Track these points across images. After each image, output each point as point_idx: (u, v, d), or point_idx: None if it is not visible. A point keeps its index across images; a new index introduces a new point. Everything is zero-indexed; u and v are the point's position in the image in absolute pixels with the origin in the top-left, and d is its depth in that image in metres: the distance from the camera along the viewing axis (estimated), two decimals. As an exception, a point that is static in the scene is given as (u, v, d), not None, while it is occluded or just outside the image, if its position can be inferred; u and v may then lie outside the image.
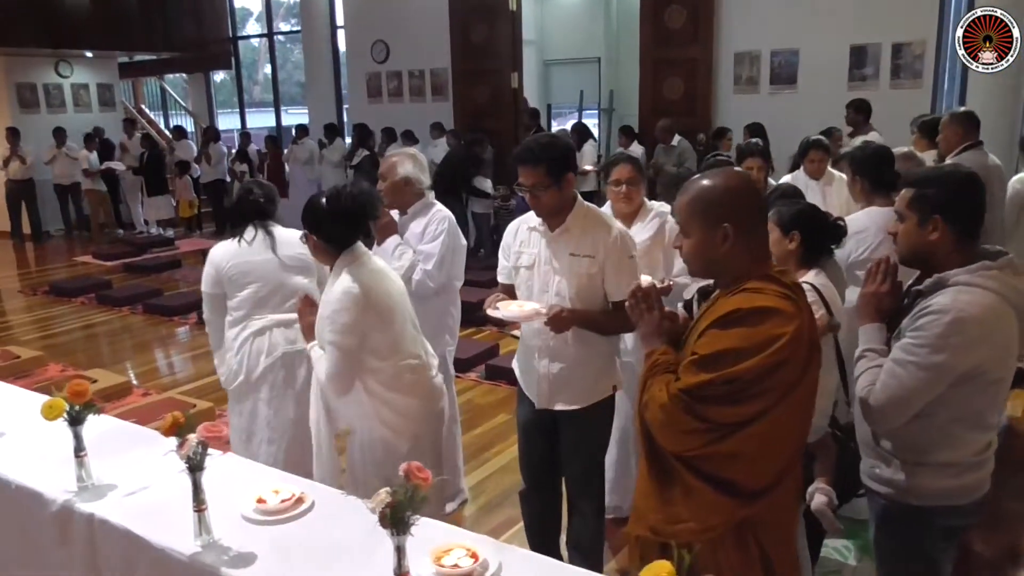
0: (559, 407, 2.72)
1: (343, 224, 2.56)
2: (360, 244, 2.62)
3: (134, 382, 5.62)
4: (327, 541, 2.06)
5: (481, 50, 10.61)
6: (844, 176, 4.23)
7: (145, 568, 2.11)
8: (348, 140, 11.22)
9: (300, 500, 2.21)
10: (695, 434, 1.72)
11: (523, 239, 2.78)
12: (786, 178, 4.58)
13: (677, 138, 8.44)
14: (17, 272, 10.19)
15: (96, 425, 2.37)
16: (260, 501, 2.19)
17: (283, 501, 2.19)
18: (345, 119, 12.77)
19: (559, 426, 2.76)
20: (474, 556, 1.90)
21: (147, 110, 15.31)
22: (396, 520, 1.66)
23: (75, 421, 2.29)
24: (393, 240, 3.31)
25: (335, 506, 2.22)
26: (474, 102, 10.76)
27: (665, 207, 3.29)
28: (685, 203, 1.83)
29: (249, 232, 3.20)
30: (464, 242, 3.49)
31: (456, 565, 1.87)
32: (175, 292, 8.36)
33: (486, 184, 9.16)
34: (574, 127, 9.52)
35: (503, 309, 2.62)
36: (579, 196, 2.70)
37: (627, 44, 11.63)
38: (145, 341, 6.88)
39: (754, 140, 5.00)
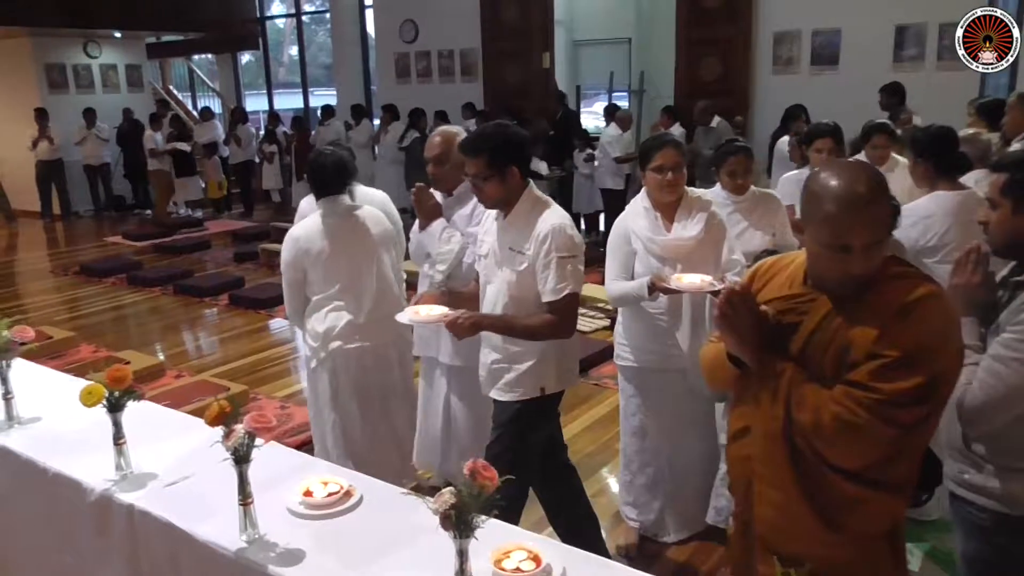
0: (492, 395, 2.75)
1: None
2: (339, 198, 3.12)
3: (168, 364, 5.57)
4: (377, 538, 1.95)
5: (511, 29, 10.43)
6: (906, 161, 4.03)
7: (188, 562, 2.02)
8: (376, 121, 11.11)
9: (348, 494, 2.11)
10: (887, 443, 1.56)
11: (488, 227, 2.77)
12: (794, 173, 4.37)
13: (716, 119, 8.24)
14: (47, 252, 10.22)
15: (134, 410, 2.28)
16: (307, 494, 2.09)
17: (330, 495, 2.09)
18: (373, 100, 12.64)
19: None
20: (536, 560, 1.78)
21: (175, 91, 15.28)
22: (460, 522, 1.55)
23: (114, 408, 2.21)
24: (439, 223, 3.18)
25: (384, 500, 2.12)
26: (504, 83, 10.60)
27: (708, 196, 3.07)
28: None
29: None
30: None
31: (518, 569, 1.75)
32: (205, 273, 8.32)
33: (541, 166, 8.79)
34: (606, 109, 9.33)
35: (407, 315, 2.66)
36: (530, 189, 2.60)
37: (660, 24, 11.38)
38: (176, 322, 6.84)
39: (825, 121, 4.75)
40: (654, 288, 2.79)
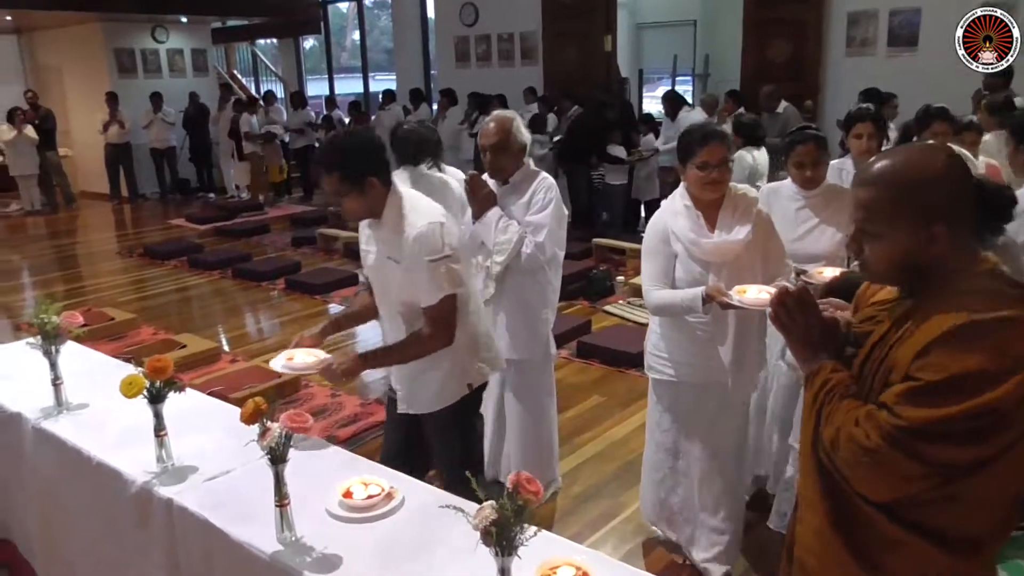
0: (423, 411, 2.60)
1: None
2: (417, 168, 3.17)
3: (225, 348, 5.61)
4: (419, 544, 1.86)
5: (573, 11, 10.21)
6: (974, 155, 3.73)
7: (223, 561, 1.96)
8: (435, 106, 11.04)
9: (389, 496, 2.02)
10: (914, 480, 1.35)
11: (366, 237, 2.56)
12: None
13: (783, 105, 7.91)
14: (115, 234, 10.48)
15: (179, 399, 2.23)
16: (347, 495, 2.01)
17: (371, 497, 2.00)
18: (432, 85, 12.59)
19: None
20: (584, 576, 1.66)
21: (239, 75, 15.50)
22: (502, 539, 1.43)
23: (155, 399, 2.16)
24: (495, 212, 3.06)
25: (426, 504, 2.02)
26: (564, 66, 10.40)
27: (752, 192, 2.74)
28: (872, 196, 1.42)
29: None
30: (566, 211, 3.21)
31: (566, 587, 1.63)
32: (264, 257, 8.39)
33: (619, 150, 8.59)
34: (665, 95, 9.05)
35: (280, 361, 2.46)
36: (394, 195, 2.38)
37: (726, 5, 11.02)
38: (235, 306, 6.91)
39: (865, 105, 4.46)
40: (709, 300, 2.50)
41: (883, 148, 3.57)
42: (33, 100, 11.40)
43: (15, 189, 11.42)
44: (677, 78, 13.14)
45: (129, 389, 2.11)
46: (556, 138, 8.91)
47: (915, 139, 4.08)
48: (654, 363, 2.83)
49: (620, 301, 6.27)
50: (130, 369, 2.98)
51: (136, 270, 8.12)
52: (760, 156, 5.43)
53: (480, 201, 3.09)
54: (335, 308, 6.52)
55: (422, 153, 3.58)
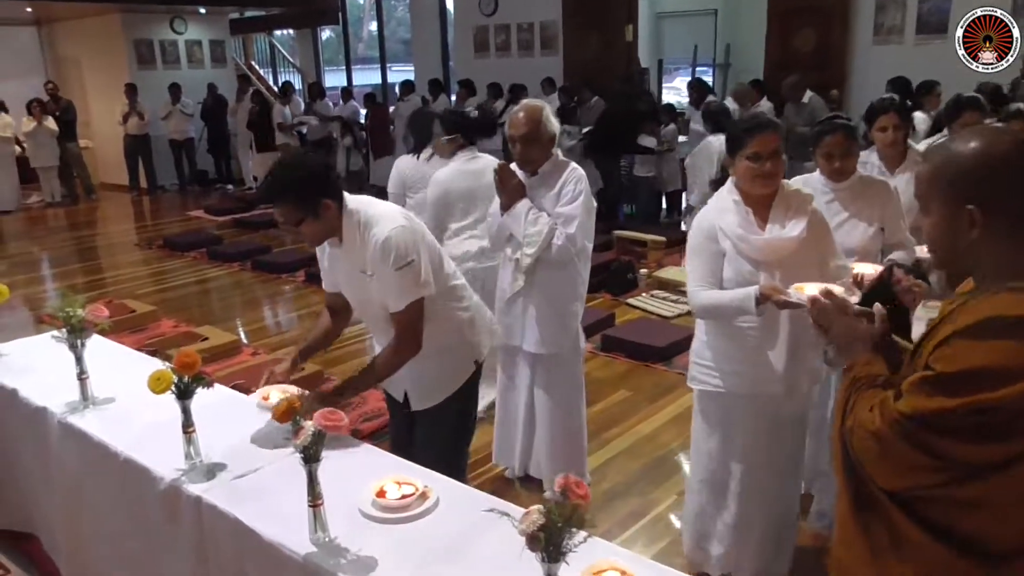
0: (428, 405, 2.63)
1: None
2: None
3: (244, 340, 5.58)
4: (457, 547, 1.80)
5: (594, 1, 10.09)
6: None
7: (254, 561, 1.91)
8: (453, 97, 10.98)
9: (424, 495, 1.96)
10: (922, 471, 1.32)
11: (328, 255, 2.52)
12: (923, 144, 3.76)
13: (808, 95, 7.77)
14: (134, 225, 10.49)
15: (204, 393, 2.18)
16: (380, 494, 1.95)
17: (405, 496, 1.94)
18: (451, 75, 12.51)
19: None
20: (631, 582, 1.60)
21: (257, 66, 15.48)
22: (550, 545, 1.37)
23: (183, 395, 2.11)
24: (524, 204, 2.99)
25: (462, 503, 1.96)
26: (584, 57, 10.29)
27: (807, 189, 2.60)
28: (924, 169, 1.43)
29: None
30: (594, 203, 3.13)
31: (612, 593, 1.57)
32: (283, 249, 8.36)
33: (650, 141, 8.41)
34: (691, 83, 8.93)
35: (256, 399, 2.45)
36: (347, 211, 2.34)
37: (749, -7, 10.87)
38: (254, 298, 6.88)
39: (888, 95, 4.31)
40: (763, 301, 2.34)
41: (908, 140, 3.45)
42: (54, 92, 11.44)
43: (36, 181, 11.46)
44: (697, 68, 13.00)
45: (157, 385, 2.06)
46: (586, 129, 8.75)
47: (945, 130, 3.93)
48: (698, 373, 2.64)
49: (643, 294, 6.18)
50: (156, 363, 2.99)
51: (155, 262, 8.11)
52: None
53: (509, 192, 3.02)
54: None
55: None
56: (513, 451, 3.36)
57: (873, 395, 1.40)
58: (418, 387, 2.59)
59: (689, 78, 10.92)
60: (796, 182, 2.91)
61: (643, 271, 6.64)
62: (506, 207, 3.04)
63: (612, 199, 8.72)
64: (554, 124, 3.05)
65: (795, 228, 2.44)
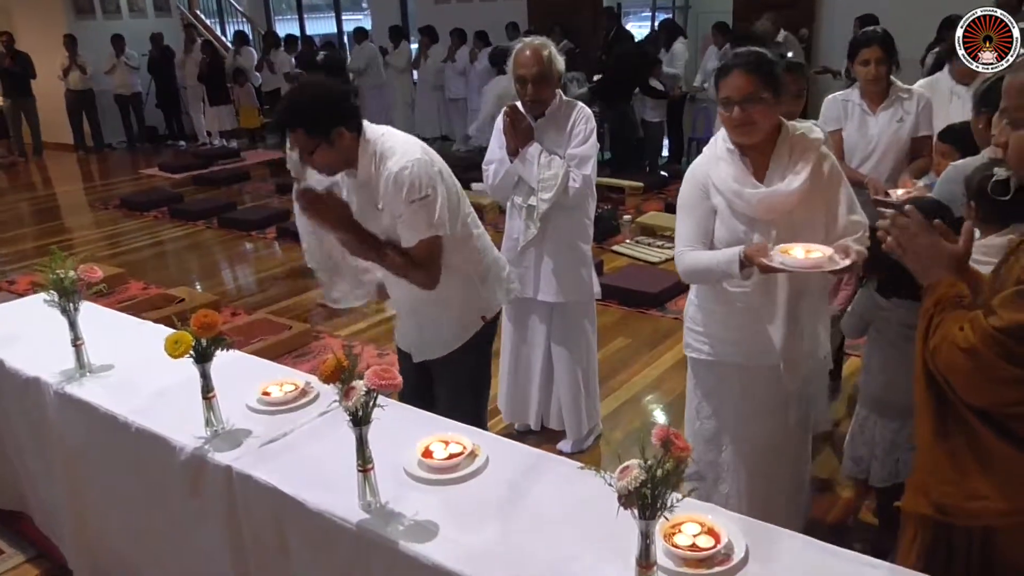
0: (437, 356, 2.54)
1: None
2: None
3: (220, 301, 5.35)
4: (514, 506, 1.70)
5: (557, -59, 9.78)
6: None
7: (297, 532, 1.80)
8: (414, 45, 10.62)
9: (473, 454, 1.86)
10: (1014, 385, 1.32)
11: (346, 189, 2.36)
12: (922, 83, 3.59)
13: (782, 34, 7.65)
14: (83, 185, 10.00)
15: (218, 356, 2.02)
16: (427, 455, 1.84)
17: (453, 456, 1.84)
18: (410, 22, 12.09)
19: None
20: (713, 534, 1.53)
21: (203, 16, 14.76)
22: (651, 502, 1.28)
23: (203, 358, 1.96)
24: (535, 148, 2.85)
25: (512, 462, 1.86)
26: (548, 0, 10.00)
27: (816, 132, 2.24)
28: (1019, 80, 1.34)
29: None
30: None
31: (694, 546, 1.50)
32: (249, 205, 8.06)
33: (658, 85, 8.19)
34: (662, 24, 8.76)
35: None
36: (364, 137, 2.23)
37: (712, -68, 10.66)
38: (224, 257, 6.62)
39: (871, 28, 4.18)
40: (748, 263, 2.08)
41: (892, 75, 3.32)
42: (8, 43, 10.66)
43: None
44: (657, 12, 12.79)
45: (175, 349, 1.90)
46: (596, 76, 8.45)
47: (947, 67, 3.63)
48: (691, 339, 2.42)
49: (628, 240, 6.12)
50: (148, 327, 2.82)
51: (113, 223, 7.74)
52: None
53: (520, 134, 2.86)
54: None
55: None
56: (528, 406, 3.27)
57: (962, 315, 1.39)
58: (422, 336, 2.49)
59: (643, 24, 10.72)
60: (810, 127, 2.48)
61: (626, 217, 6.55)
62: (514, 152, 2.89)
63: (627, 147, 8.41)
64: (560, 61, 2.91)
65: (794, 181, 2.12)
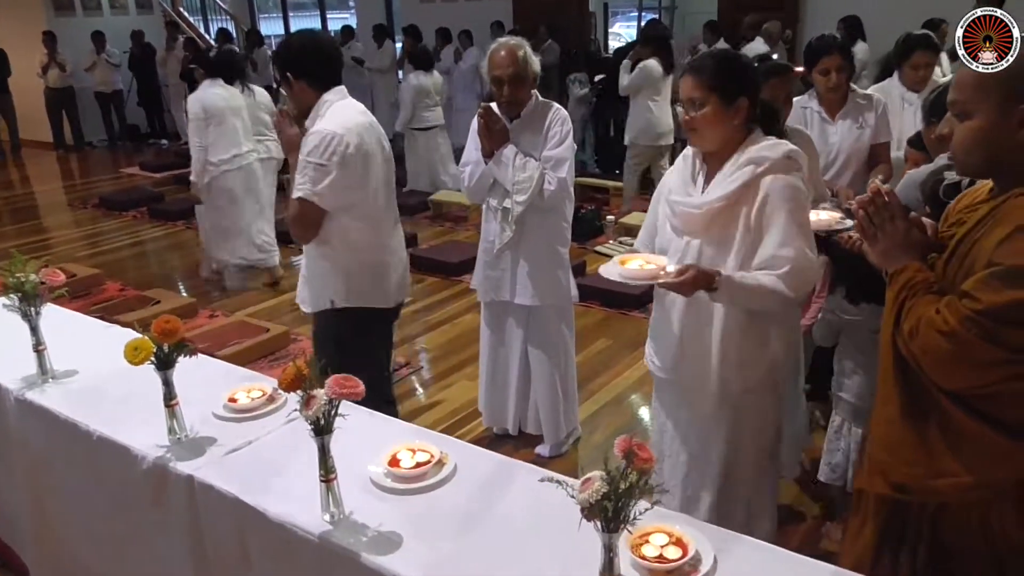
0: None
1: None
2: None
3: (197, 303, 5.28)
4: (481, 517, 1.67)
5: (542, -60, 9.75)
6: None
7: (258, 543, 1.75)
8: (399, 44, 10.55)
9: (440, 463, 1.82)
10: (992, 367, 1.36)
11: None
12: (873, 89, 3.50)
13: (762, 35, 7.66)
14: (63, 184, 9.88)
15: (183, 362, 1.97)
16: (393, 463, 1.80)
17: (420, 465, 1.80)
18: (395, 21, 12.03)
19: None
20: (680, 545, 1.50)
21: (186, 13, 14.63)
22: (617, 515, 1.24)
23: (164, 365, 1.91)
24: (511, 150, 2.81)
25: (480, 470, 1.83)
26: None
27: (780, 148, 2.02)
28: (971, 73, 1.41)
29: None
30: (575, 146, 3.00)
31: (661, 558, 1.47)
32: (228, 206, 7.97)
33: None
34: (649, 24, 8.73)
35: None
36: (324, 99, 2.51)
37: (698, -68, 10.66)
38: (202, 258, 6.53)
39: (830, 33, 4.04)
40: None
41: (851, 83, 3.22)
42: None
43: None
44: (644, 12, 12.78)
45: (135, 355, 1.84)
46: (598, 76, 8.29)
47: (896, 73, 3.58)
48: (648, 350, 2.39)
49: (611, 241, 6.09)
50: (114, 331, 2.75)
51: (91, 223, 7.65)
52: None
53: (495, 136, 2.83)
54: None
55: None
56: (506, 411, 3.24)
57: (934, 299, 1.43)
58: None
59: (630, 24, 10.69)
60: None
61: (609, 217, 6.53)
62: (489, 153, 2.85)
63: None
64: (536, 62, 2.88)
65: (709, 195, 2.03)
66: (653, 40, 6.39)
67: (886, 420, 1.56)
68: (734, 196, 1.99)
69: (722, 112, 1.99)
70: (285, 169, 4.01)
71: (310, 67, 2.50)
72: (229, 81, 5.22)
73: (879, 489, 1.59)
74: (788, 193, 1.98)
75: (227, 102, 5.12)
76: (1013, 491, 1.46)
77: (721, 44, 8.01)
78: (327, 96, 2.51)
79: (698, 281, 1.91)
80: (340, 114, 2.48)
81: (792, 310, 2.33)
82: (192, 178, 5.26)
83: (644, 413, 3.62)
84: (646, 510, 1.29)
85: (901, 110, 3.37)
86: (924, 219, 1.60)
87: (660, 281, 1.93)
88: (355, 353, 2.53)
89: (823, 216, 2.26)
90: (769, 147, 2.03)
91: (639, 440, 1.29)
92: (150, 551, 2.05)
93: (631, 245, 5.87)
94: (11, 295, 2.26)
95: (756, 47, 7.72)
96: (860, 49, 6.76)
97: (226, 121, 5.09)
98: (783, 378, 2.30)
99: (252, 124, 5.37)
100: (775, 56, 6.83)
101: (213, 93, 5.08)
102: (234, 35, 12.63)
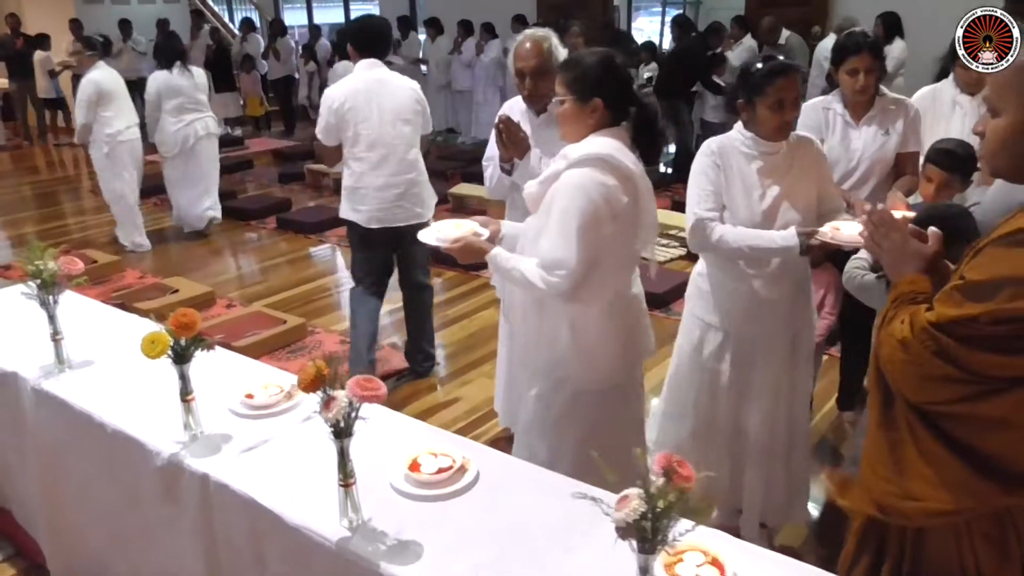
0: None
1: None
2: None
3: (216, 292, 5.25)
4: (506, 527, 1.60)
5: (568, -67, 9.64)
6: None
7: (275, 547, 1.70)
8: (423, 36, 10.50)
9: (463, 469, 1.75)
10: (945, 383, 1.28)
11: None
12: (926, 90, 3.32)
13: (785, 35, 7.49)
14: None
15: (200, 355, 1.92)
16: (414, 468, 1.74)
17: (441, 470, 1.73)
18: (418, 12, 11.96)
19: None
20: (717, 565, 1.42)
21: (211, 2, 14.66)
22: (652, 534, 1.17)
23: (181, 359, 1.86)
24: (534, 155, 2.67)
25: (504, 477, 1.76)
26: (558, -8, 9.88)
27: (581, 147, 2.05)
28: (1007, 71, 1.33)
29: None
30: None
31: (696, 577, 1.39)
32: (251, 195, 7.96)
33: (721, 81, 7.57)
34: (674, 20, 8.60)
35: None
36: (361, 61, 3.54)
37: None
38: (223, 247, 6.52)
39: (859, 29, 3.78)
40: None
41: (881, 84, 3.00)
42: (15, 25, 10.54)
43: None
44: (668, 6, 12.65)
45: (152, 349, 1.80)
46: (648, 74, 7.97)
47: (951, 74, 3.34)
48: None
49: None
50: (133, 320, 2.72)
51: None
52: None
53: (518, 146, 2.69)
54: (328, 248, 6.19)
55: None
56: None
57: (909, 309, 1.37)
58: None
59: (653, 18, 10.57)
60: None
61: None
62: (509, 160, 2.72)
63: (685, 148, 7.87)
64: (562, 54, 2.77)
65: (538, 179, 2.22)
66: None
67: (870, 433, 1.49)
68: (547, 184, 2.12)
69: (580, 111, 2.09)
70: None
71: (359, 41, 3.59)
72: (169, 65, 6.30)
73: (866, 508, 1.46)
74: (568, 191, 2.02)
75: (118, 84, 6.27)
76: (983, 524, 1.34)
77: (749, 40, 7.89)
78: (359, 65, 3.55)
79: (466, 252, 2.12)
80: (351, 75, 3.54)
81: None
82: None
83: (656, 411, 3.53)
84: (687, 531, 1.21)
85: (951, 112, 3.17)
86: (931, 229, 1.50)
87: (443, 247, 2.13)
88: (361, 259, 3.77)
89: (843, 231, 2.14)
90: (584, 146, 2.07)
91: (679, 457, 1.21)
92: (162, 547, 2.01)
93: (664, 246, 5.81)
94: (29, 283, 2.22)
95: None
96: (897, 47, 6.58)
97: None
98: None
99: (191, 103, 6.44)
100: (781, 57, 6.69)
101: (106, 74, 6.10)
102: (258, 24, 12.65)
